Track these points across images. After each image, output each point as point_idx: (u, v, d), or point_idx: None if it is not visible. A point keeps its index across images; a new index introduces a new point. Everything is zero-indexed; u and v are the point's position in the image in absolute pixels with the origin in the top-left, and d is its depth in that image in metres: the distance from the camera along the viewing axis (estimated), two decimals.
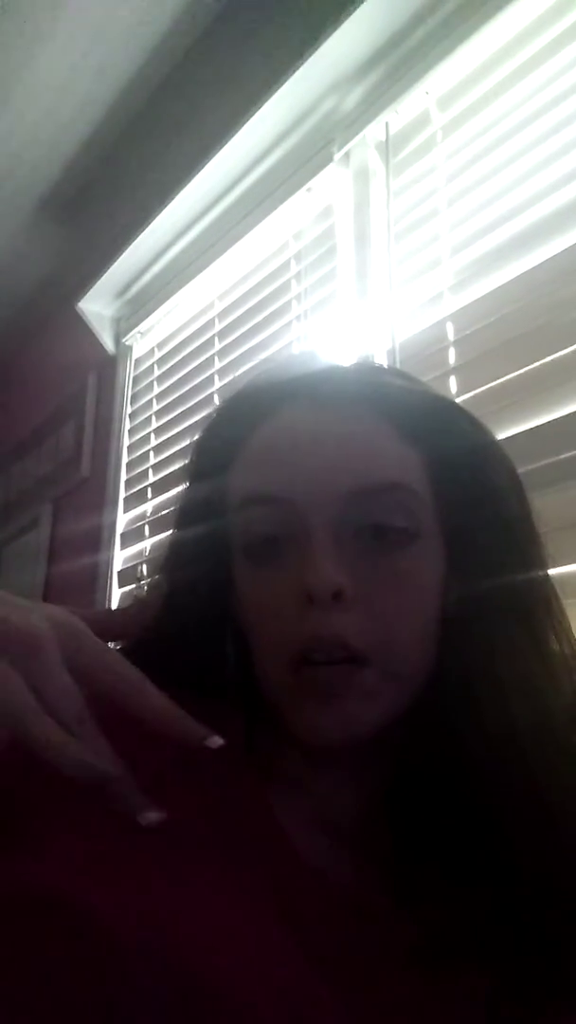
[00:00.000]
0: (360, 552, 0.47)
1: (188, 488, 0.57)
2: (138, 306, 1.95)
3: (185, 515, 0.57)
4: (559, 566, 0.55)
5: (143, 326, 1.93)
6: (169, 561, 0.57)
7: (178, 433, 1.72)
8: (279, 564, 0.48)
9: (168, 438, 1.76)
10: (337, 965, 0.43)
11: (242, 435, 0.52)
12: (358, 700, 0.45)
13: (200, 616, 0.53)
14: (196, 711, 0.52)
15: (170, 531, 0.58)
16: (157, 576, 0.58)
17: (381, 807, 0.50)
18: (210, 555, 0.52)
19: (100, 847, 0.41)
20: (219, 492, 0.53)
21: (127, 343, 2.00)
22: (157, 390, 1.86)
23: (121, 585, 1.78)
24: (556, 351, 0.92)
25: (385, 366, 1.06)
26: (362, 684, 0.45)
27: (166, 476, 1.73)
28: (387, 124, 1.27)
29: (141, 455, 1.86)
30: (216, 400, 1.63)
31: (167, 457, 1.75)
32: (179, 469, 1.67)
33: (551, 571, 0.53)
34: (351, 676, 0.45)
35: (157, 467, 1.78)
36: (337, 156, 1.34)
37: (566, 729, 0.47)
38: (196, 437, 0.58)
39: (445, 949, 0.44)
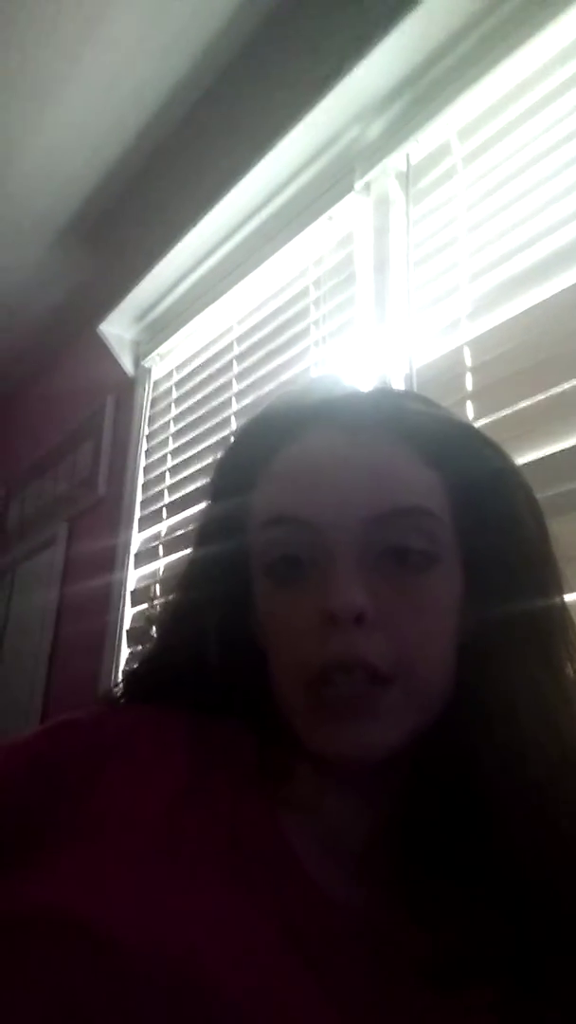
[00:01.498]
0: (382, 575, 0.47)
1: (209, 506, 0.58)
2: (158, 329, 1.97)
3: (206, 533, 0.57)
4: (574, 592, 0.55)
5: (162, 349, 1.95)
6: (187, 578, 0.57)
7: (194, 455, 1.74)
8: (301, 585, 0.48)
9: (184, 460, 1.77)
10: (346, 986, 0.43)
11: (265, 456, 0.53)
12: (377, 718, 0.46)
13: (216, 634, 0.53)
14: (210, 733, 0.52)
15: (188, 549, 0.59)
16: (174, 594, 0.59)
17: (393, 830, 0.50)
18: (229, 573, 0.53)
19: (111, 866, 0.41)
20: (240, 512, 0.53)
21: (146, 365, 2.02)
22: (174, 412, 1.88)
23: (134, 604, 1.78)
24: (573, 379, 0.93)
25: (405, 391, 1.07)
26: (383, 702, 0.45)
27: (181, 497, 1.74)
28: (408, 155, 1.29)
29: (157, 476, 1.87)
30: (233, 423, 1.64)
31: (183, 478, 1.76)
32: (194, 490, 1.67)
33: (567, 597, 0.53)
34: (372, 694, 0.45)
35: (172, 488, 1.79)
36: (358, 185, 1.36)
37: None
38: (218, 457, 0.59)
39: (455, 970, 0.44)
